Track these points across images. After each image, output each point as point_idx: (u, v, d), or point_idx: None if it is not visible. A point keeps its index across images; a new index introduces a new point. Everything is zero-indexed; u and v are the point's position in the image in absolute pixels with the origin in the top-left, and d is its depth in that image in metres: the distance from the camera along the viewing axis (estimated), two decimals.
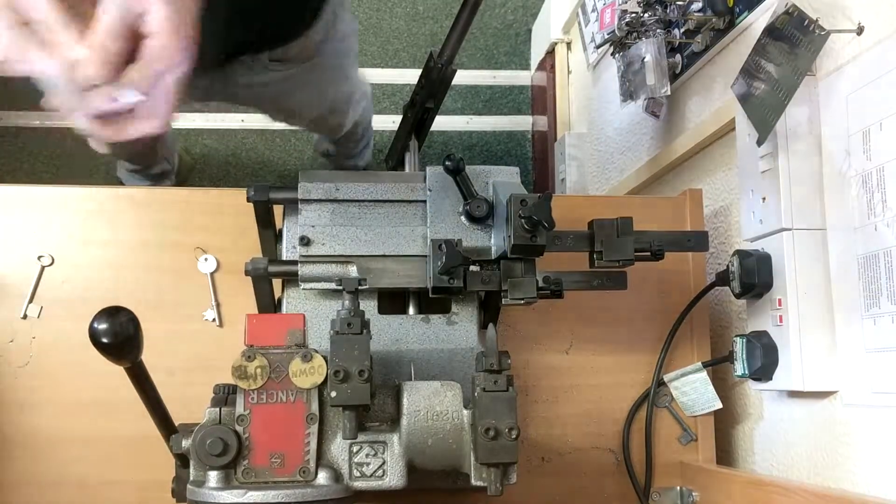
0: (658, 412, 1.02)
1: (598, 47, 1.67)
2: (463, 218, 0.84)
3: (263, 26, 0.99)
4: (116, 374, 0.69)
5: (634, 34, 1.18)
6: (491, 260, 0.82)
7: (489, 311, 0.88)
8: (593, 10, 1.71)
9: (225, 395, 0.73)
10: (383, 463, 0.72)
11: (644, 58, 1.17)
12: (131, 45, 0.44)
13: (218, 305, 0.97)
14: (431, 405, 0.73)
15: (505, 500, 0.73)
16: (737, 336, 0.96)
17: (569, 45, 1.97)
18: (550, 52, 2.00)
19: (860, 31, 0.84)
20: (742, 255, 0.94)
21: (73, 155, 1.99)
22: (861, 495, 0.83)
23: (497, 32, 2.18)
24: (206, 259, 0.96)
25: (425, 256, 0.83)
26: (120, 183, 1.81)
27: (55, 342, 0.94)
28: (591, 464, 1.01)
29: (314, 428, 0.70)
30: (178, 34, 0.44)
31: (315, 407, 0.70)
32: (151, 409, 0.71)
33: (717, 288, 1.04)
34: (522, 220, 0.74)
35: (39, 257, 0.96)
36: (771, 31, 0.93)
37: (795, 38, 0.87)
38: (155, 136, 0.49)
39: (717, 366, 1.03)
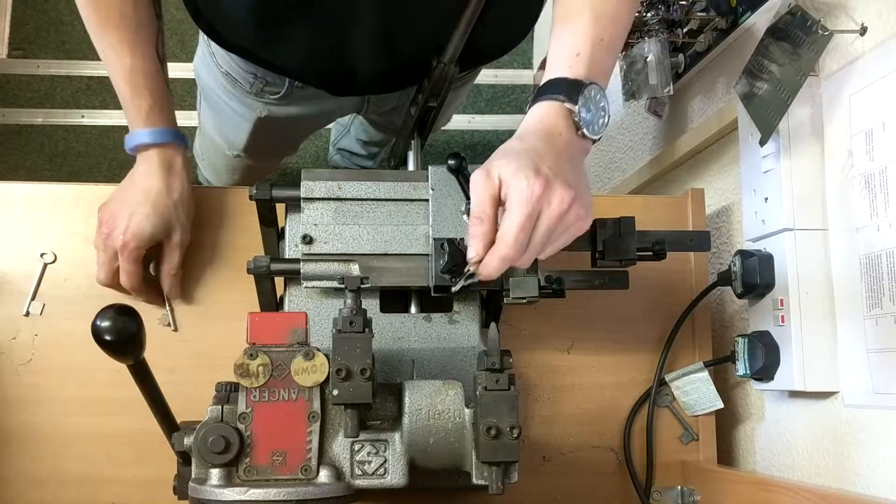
0: (659, 412, 1.02)
1: None
2: (465, 217, 0.84)
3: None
4: (119, 371, 0.69)
5: (637, 33, 1.18)
6: None
7: (491, 310, 0.88)
8: None
9: (227, 393, 0.73)
10: (385, 461, 0.72)
11: (647, 57, 1.17)
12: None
13: None
14: (433, 404, 0.73)
15: (506, 498, 0.73)
16: (739, 336, 0.96)
17: None
18: None
19: (863, 31, 0.84)
20: (744, 255, 0.94)
21: (75, 152, 1.99)
22: (862, 495, 0.83)
23: None
24: None
25: (427, 255, 0.83)
26: (198, 184, 1.78)
27: (57, 339, 0.94)
28: (592, 463, 1.00)
29: (316, 426, 0.70)
30: None
31: (317, 405, 0.70)
32: (154, 407, 0.72)
33: (718, 288, 1.04)
34: None
35: (42, 254, 0.96)
36: (774, 32, 0.93)
37: (798, 38, 0.87)
38: None
39: (719, 365, 1.03)
